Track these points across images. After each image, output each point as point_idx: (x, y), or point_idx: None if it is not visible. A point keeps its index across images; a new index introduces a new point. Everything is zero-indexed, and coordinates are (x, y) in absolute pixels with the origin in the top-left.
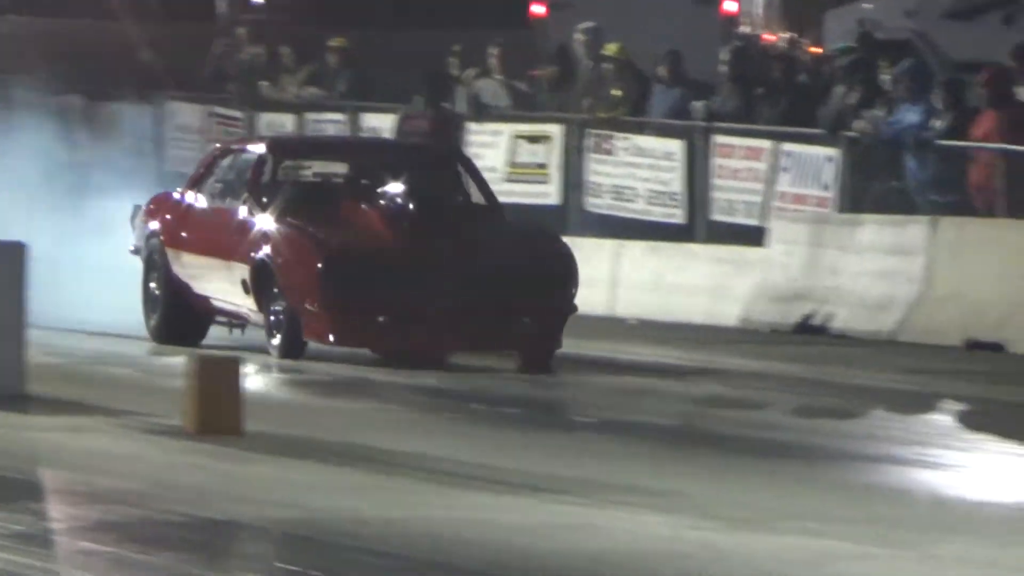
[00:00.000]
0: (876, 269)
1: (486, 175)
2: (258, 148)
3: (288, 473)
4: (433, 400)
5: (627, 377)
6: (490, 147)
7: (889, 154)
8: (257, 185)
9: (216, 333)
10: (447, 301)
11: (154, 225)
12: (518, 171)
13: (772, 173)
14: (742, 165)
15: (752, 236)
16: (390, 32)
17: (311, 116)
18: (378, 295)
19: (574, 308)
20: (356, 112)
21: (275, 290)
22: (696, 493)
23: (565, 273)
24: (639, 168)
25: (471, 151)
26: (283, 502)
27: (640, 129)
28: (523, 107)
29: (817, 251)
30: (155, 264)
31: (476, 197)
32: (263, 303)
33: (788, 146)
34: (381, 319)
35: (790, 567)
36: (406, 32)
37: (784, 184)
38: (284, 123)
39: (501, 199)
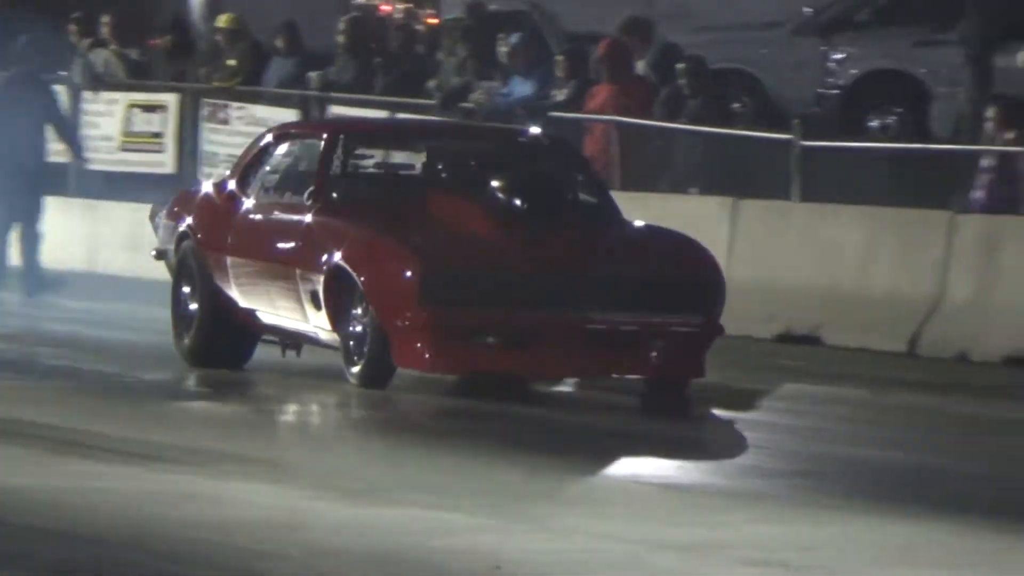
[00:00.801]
0: None
1: (101, 144)
2: (325, 132)
3: None
4: (48, 366)
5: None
6: (105, 116)
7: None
8: (327, 177)
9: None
10: (569, 319)
11: (187, 224)
12: (133, 140)
13: None
14: None
15: None
16: None
17: None
18: (486, 312)
19: (720, 329)
20: None
21: (356, 306)
22: (309, 464)
23: (712, 286)
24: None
25: (86, 120)
26: None
27: (256, 99)
28: (139, 76)
29: None
30: (189, 271)
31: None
32: (339, 320)
33: (402, 117)
34: (489, 340)
35: (404, 539)
36: None
37: None
38: None
39: (117, 169)
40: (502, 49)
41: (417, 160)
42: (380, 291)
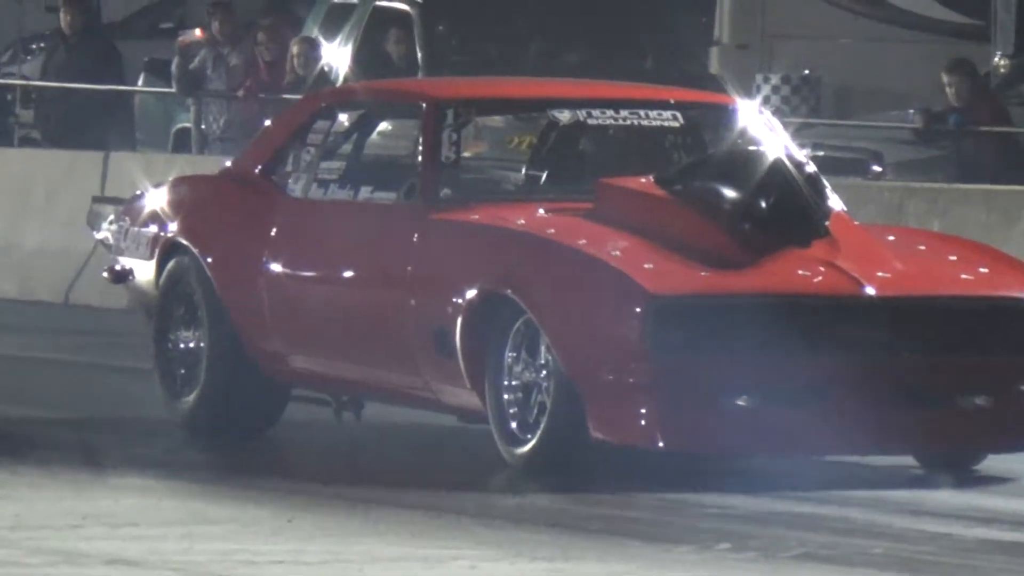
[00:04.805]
0: None
1: None
2: (424, 100)
3: None
4: None
5: None
6: None
7: None
8: (436, 164)
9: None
10: (855, 372)
11: (177, 230)
12: None
13: None
14: None
15: None
16: None
17: None
18: (739, 363)
19: None
20: None
21: (519, 355)
22: None
23: None
24: None
25: None
26: None
27: None
28: None
29: None
30: (186, 300)
31: None
32: (484, 373)
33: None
34: (742, 401)
35: None
36: None
37: None
38: None
39: None
40: None
41: (560, 139)
42: (575, 331)
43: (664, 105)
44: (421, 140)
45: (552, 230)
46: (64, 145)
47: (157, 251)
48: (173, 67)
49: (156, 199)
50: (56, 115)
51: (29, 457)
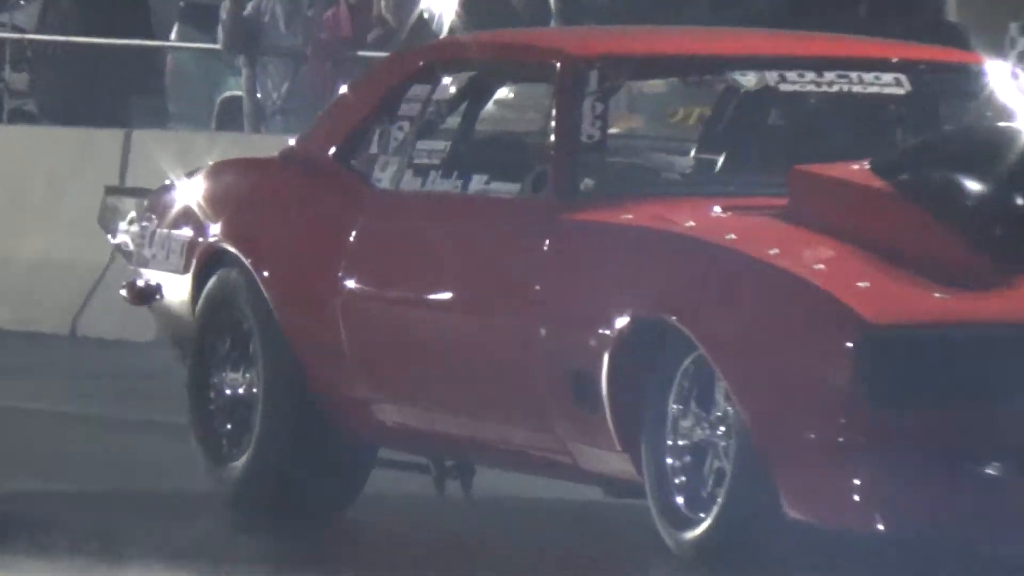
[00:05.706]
0: None
1: None
2: (559, 59)
3: None
4: None
5: None
6: None
7: None
8: (575, 146)
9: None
10: None
11: (221, 234)
12: None
13: None
14: None
15: None
16: None
17: None
18: (988, 418)
19: None
20: None
21: (687, 406)
22: None
23: None
24: None
25: None
26: None
27: None
28: None
29: None
30: (234, 327)
31: None
32: (640, 430)
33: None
34: (991, 470)
35: None
36: None
37: None
38: None
39: None
40: None
41: (742, 111)
42: (764, 373)
43: (885, 66)
44: (555, 113)
45: (732, 236)
46: (71, 121)
47: (194, 262)
48: (222, 15)
49: (192, 191)
50: (59, 81)
51: (25, 544)
